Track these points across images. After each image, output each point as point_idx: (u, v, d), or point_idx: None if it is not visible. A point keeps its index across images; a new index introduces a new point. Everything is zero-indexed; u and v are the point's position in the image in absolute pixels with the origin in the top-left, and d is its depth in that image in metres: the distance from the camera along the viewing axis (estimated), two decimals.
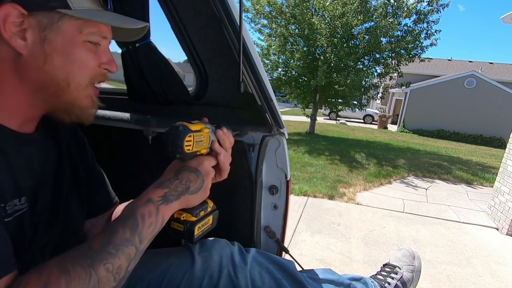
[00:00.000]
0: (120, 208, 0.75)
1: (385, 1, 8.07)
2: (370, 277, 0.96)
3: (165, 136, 0.55)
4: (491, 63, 21.57)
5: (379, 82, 9.92)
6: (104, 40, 0.54)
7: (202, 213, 0.62)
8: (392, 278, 0.96)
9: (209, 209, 0.65)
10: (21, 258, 0.43)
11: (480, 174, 6.19)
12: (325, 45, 8.12)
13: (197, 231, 0.61)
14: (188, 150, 0.56)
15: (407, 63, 8.89)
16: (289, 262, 0.83)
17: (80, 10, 0.48)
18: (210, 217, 0.65)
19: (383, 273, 0.99)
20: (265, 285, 0.74)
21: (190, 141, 0.56)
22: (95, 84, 0.55)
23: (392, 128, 17.08)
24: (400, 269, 1.00)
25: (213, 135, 0.63)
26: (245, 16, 8.88)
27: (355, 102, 9.84)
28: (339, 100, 9.86)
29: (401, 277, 0.97)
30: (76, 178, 0.64)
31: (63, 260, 0.41)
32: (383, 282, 0.95)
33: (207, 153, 0.63)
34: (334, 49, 8.08)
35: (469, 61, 21.84)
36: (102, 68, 0.54)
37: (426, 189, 4.91)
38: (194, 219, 0.60)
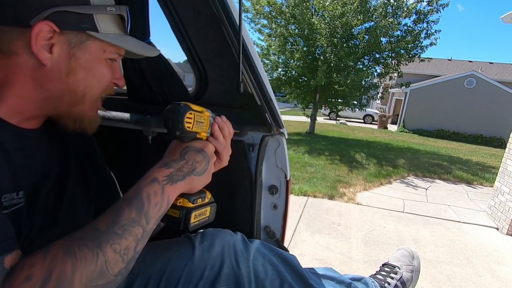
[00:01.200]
0: None
1: (385, 1, 8.06)
2: (370, 276, 0.96)
3: (166, 112, 0.55)
4: (491, 63, 21.55)
5: (379, 82, 9.91)
6: (119, 57, 0.59)
7: (199, 201, 0.60)
8: (392, 278, 0.96)
9: (207, 200, 0.63)
10: None
11: (480, 174, 6.19)
12: (325, 45, 8.11)
13: (194, 219, 0.58)
14: (188, 127, 0.55)
15: (407, 63, 8.88)
16: (292, 256, 0.83)
17: (106, 34, 0.53)
18: (208, 208, 0.63)
19: (382, 273, 0.99)
20: (268, 277, 0.74)
21: (190, 118, 0.55)
22: (103, 97, 0.59)
23: (392, 128, 17.07)
24: (399, 269, 1.00)
25: (213, 120, 0.63)
26: (245, 16, 8.88)
27: (355, 102, 9.83)
28: (339, 100, 9.85)
29: (401, 277, 0.97)
30: (83, 179, 0.63)
31: (68, 242, 0.41)
32: (383, 282, 0.95)
33: (207, 138, 0.62)
34: (334, 49, 8.08)
35: (469, 61, 21.84)
36: (113, 82, 0.59)
37: (426, 189, 4.91)
38: (191, 205, 0.58)
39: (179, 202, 0.57)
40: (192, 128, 0.56)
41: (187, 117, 0.55)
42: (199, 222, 0.61)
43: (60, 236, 0.57)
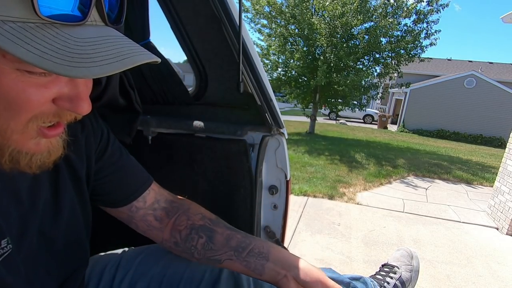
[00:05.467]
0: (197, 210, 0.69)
1: (385, 1, 8.07)
2: (369, 277, 0.97)
3: None
4: (491, 63, 21.56)
5: (379, 82, 9.92)
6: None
7: None
8: (391, 278, 0.96)
9: None
10: None
11: (480, 174, 6.19)
12: (325, 45, 8.12)
13: None
14: None
15: (407, 63, 8.89)
16: None
17: (5, 21, 0.27)
18: None
19: (382, 273, 1.00)
20: None
21: None
22: (47, 125, 0.37)
23: (392, 128, 17.07)
24: (398, 268, 1.00)
25: None
26: (245, 16, 8.88)
27: (355, 102, 9.83)
28: (339, 100, 9.85)
29: (400, 276, 0.98)
30: (75, 177, 0.58)
31: None
32: (382, 282, 0.95)
33: None
34: (334, 49, 8.08)
35: (469, 61, 21.84)
36: (60, 105, 0.35)
37: (426, 189, 4.91)
38: None
39: None
40: None
41: None
42: None
43: (60, 251, 0.53)
